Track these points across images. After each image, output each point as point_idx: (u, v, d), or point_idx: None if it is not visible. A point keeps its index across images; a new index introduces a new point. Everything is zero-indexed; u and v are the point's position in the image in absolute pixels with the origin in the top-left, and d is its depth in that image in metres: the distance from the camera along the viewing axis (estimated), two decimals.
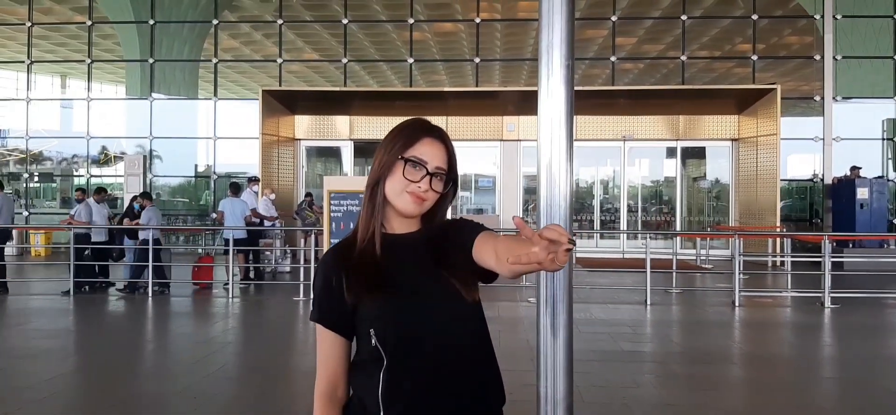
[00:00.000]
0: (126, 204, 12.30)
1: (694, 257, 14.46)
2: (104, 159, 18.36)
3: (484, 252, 1.49)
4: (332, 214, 9.72)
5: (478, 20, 17.10)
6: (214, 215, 15.62)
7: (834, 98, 16.42)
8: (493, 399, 1.64)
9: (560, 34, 2.34)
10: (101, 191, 12.27)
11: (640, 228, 17.24)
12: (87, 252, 11.19)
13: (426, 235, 1.64)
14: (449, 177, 1.63)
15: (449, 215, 1.75)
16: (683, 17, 16.83)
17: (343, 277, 1.58)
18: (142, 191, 13.19)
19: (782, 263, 13.06)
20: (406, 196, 1.59)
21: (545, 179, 2.28)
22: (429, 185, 1.58)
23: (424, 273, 1.59)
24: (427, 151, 1.60)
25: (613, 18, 16.97)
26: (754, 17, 16.65)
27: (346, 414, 1.63)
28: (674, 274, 10.99)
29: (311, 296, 1.67)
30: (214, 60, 17.48)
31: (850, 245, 13.69)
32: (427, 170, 1.58)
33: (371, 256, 1.59)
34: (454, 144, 1.67)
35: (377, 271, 1.57)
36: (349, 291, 1.56)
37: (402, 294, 1.56)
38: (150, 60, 17.62)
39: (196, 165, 18.49)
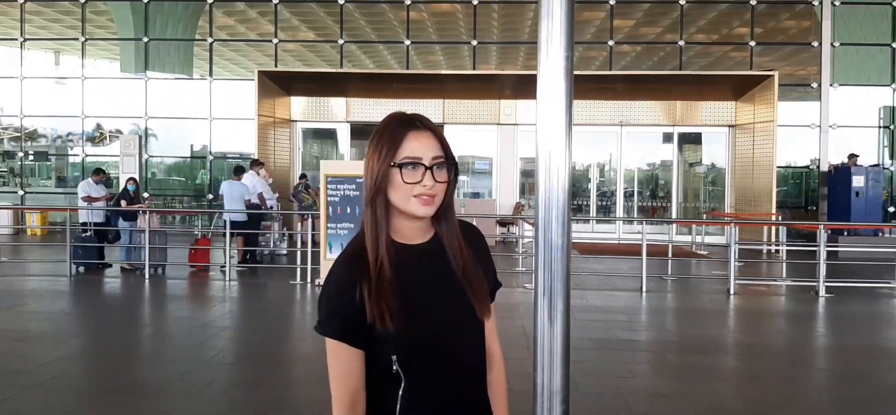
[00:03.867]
0: (122, 184, 12.24)
1: (690, 243, 14.51)
2: (99, 138, 18.26)
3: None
4: (328, 198, 9.73)
5: (475, 2, 17.00)
6: (212, 196, 15.61)
7: (831, 85, 16.41)
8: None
9: (560, 24, 2.32)
10: (99, 171, 12.25)
11: (636, 214, 17.27)
12: (87, 233, 11.20)
13: (448, 244, 1.58)
14: (448, 161, 1.54)
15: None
16: (682, 1, 16.76)
17: (361, 291, 1.49)
18: (96, 168, 12.82)
19: (778, 250, 13.12)
20: (414, 201, 1.50)
21: (543, 172, 2.28)
22: (433, 179, 1.49)
23: (442, 289, 1.56)
24: (417, 146, 1.51)
25: (612, 1, 16.89)
26: (752, 1, 16.59)
27: None
28: (669, 261, 11.03)
29: (320, 305, 1.56)
30: (210, 40, 17.35)
31: (845, 233, 13.74)
32: (425, 165, 1.50)
33: (385, 274, 1.50)
34: (452, 127, 1.64)
35: (396, 292, 1.49)
36: (370, 310, 1.48)
37: (423, 318, 1.52)
38: (145, 39, 17.47)
39: (192, 146, 18.41)
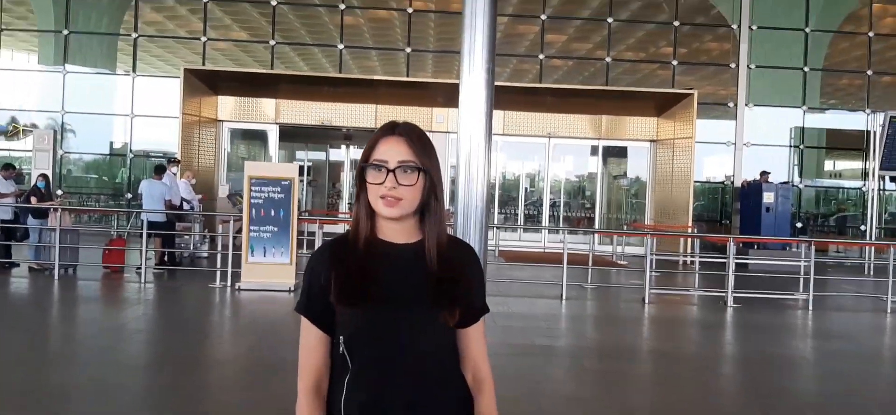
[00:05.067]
0: (33, 181, 11.71)
1: (611, 254, 14.93)
2: (12, 132, 17.38)
3: (466, 348, 1.69)
4: (252, 201, 9.56)
5: (410, 10, 17.06)
6: (130, 195, 15.09)
7: (747, 104, 17.22)
8: None
9: (482, 37, 2.39)
10: (8, 167, 11.65)
11: (561, 224, 17.65)
12: None
13: (427, 247, 1.63)
14: (420, 168, 1.60)
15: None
16: (610, 20, 17.27)
17: (331, 275, 1.60)
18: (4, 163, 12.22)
19: (692, 262, 13.65)
20: (379, 202, 1.59)
21: (463, 177, 2.34)
22: (394, 182, 1.57)
23: (409, 287, 1.61)
24: (385, 150, 1.60)
25: (543, 17, 17.26)
26: (676, 23, 17.26)
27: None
28: (589, 270, 11.33)
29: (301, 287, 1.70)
30: (135, 35, 16.79)
31: (755, 247, 14.40)
32: (387, 168, 1.58)
33: (357, 263, 1.60)
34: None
35: (361, 279, 1.58)
36: (332, 291, 1.59)
37: (378, 307, 1.58)
38: (65, 31, 16.76)
39: (112, 143, 17.75)
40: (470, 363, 1.71)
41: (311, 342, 1.64)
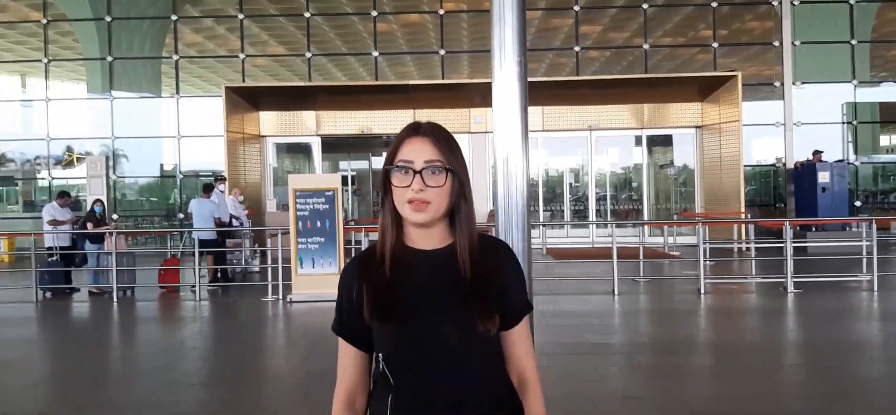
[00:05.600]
0: (88, 207, 12.06)
1: (662, 245, 14.63)
2: (68, 161, 17.97)
3: (510, 349, 1.62)
4: (298, 213, 9.65)
5: (441, 12, 17.05)
6: (182, 215, 15.41)
7: (794, 83, 16.69)
8: None
9: (512, 30, 2.32)
10: (64, 195, 12.03)
11: (608, 217, 17.39)
12: (53, 258, 10.99)
13: (459, 252, 1.56)
14: (448, 168, 1.53)
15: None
16: (645, 6, 16.96)
17: (362, 291, 1.56)
18: (60, 191, 12.56)
19: (747, 248, 13.28)
20: (407, 207, 1.52)
21: (502, 173, 2.28)
22: (421, 183, 1.51)
23: (441, 295, 1.54)
24: (411, 151, 1.54)
25: (577, 8, 17.04)
26: (714, 3, 16.84)
27: None
28: (641, 263, 11.11)
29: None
30: (176, 57, 17.18)
31: (813, 229, 13.95)
32: (413, 169, 1.51)
33: (384, 276, 1.55)
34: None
35: (389, 293, 1.52)
36: (366, 308, 1.54)
37: (411, 320, 1.52)
38: (109, 58, 17.25)
39: (162, 165, 18.19)
40: (515, 365, 1.64)
41: (346, 360, 1.62)
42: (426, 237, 1.57)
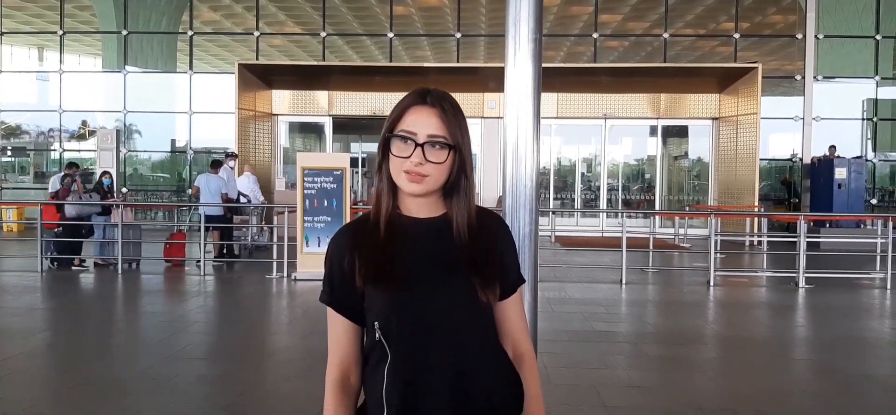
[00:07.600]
0: (96, 179, 12.06)
1: (672, 236, 14.46)
2: (80, 134, 18.02)
3: (505, 322, 1.56)
4: (306, 191, 9.59)
5: None
6: (190, 191, 15.40)
7: (815, 77, 16.40)
8: (502, 407, 1.51)
9: (528, 7, 2.21)
10: (72, 166, 12.02)
11: (620, 207, 17.22)
12: (60, 229, 11.00)
13: (453, 220, 1.51)
14: (451, 145, 1.46)
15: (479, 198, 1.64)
16: None
17: (354, 258, 1.48)
18: (69, 162, 12.58)
19: (759, 242, 13.09)
20: (403, 176, 1.46)
21: (511, 157, 2.17)
22: (421, 157, 1.43)
23: (439, 263, 1.48)
24: (416, 121, 1.45)
25: None
26: None
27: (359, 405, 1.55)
28: (650, 253, 10.97)
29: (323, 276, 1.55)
30: (190, 33, 17.13)
31: (827, 225, 13.73)
32: (415, 142, 1.44)
33: (379, 241, 1.48)
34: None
35: (384, 258, 1.46)
36: (358, 275, 1.47)
37: (410, 286, 1.45)
38: (124, 32, 17.23)
39: (173, 140, 18.20)
40: (509, 337, 1.57)
41: (338, 333, 1.53)
42: (421, 206, 1.52)
